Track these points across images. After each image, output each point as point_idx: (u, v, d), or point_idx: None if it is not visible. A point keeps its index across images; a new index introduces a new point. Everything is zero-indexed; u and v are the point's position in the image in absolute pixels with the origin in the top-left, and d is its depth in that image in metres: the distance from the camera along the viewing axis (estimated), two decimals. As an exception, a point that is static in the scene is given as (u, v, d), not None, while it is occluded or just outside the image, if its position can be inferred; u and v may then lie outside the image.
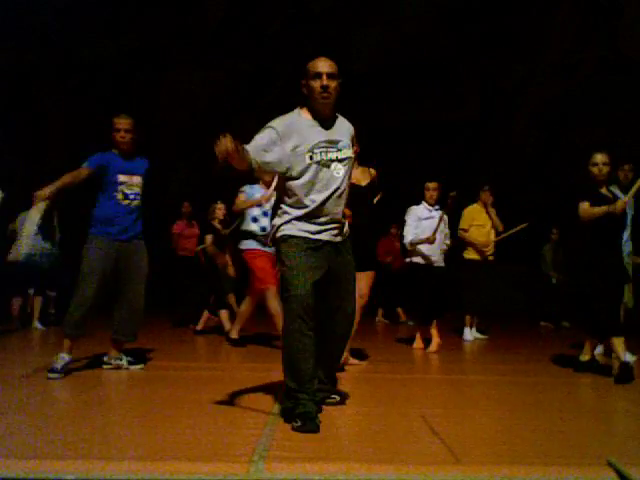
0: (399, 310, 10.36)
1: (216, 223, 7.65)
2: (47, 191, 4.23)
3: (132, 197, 4.63)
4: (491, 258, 7.59)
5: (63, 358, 4.38)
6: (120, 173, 4.59)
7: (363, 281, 4.89)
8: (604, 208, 4.73)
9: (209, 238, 7.57)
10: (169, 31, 13.75)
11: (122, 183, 4.59)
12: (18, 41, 12.88)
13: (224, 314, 7.47)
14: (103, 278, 4.47)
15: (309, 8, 13.74)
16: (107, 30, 13.37)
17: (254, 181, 6.24)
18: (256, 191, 6.20)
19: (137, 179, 4.68)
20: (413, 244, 6.45)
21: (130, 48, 13.57)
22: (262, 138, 3.17)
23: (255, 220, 6.14)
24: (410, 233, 6.45)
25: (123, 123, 4.63)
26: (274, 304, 5.89)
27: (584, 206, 4.80)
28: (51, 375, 4.25)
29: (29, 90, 13.46)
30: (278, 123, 3.22)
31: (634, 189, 4.83)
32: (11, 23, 12.50)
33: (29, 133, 12.90)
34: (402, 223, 6.69)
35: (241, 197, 6.26)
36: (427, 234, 6.34)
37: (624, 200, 4.72)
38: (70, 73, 13.70)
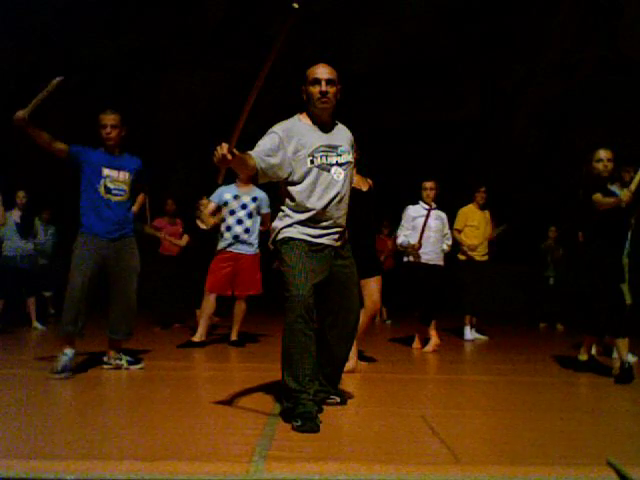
0: (382, 309, 10.37)
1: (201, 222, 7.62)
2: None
3: (115, 192, 4.55)
4: (484, 258, 7.58)
5: (66, 354, 4.36)
6: (105, 167, 4.53)
7: (374, 287, 4.88)
8: (612, 199, 4.66)
9: (184, 239, 7.79)
10: (169, 31, 13.73)
11: (106, 177, 4.52)
12: (18, 41, 12.87)
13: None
14: (92, 272, 4.43)
15: (309, 8, 13.73)
16: (107, 30, 13.35)
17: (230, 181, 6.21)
18: (229, 191, 6.20)
19: (124, 175, 4.60)
20: (402, 247, 6.46)
21: (130, 48, 13.55)
22: (265, 143, 3.20)
23: (226, 221, 6.21)
24: (402, 234, 6.45)
25: (108, 119, 4.56)
26: (207, 307, 6.22)
27: (598, 196, 4.72)
28: (55, 376, 4.22)
29: (29, 90, 13.43)
30: (279, 128, 3.26)
31: (638, 178, 4.63)
32: (11, 23, 12.49)
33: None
34: (396, 222, 6.69)
35: (210, 207, 6.29)
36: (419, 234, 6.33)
37: (630, 188, 4.59)
38: (70, 73, 13.67)
